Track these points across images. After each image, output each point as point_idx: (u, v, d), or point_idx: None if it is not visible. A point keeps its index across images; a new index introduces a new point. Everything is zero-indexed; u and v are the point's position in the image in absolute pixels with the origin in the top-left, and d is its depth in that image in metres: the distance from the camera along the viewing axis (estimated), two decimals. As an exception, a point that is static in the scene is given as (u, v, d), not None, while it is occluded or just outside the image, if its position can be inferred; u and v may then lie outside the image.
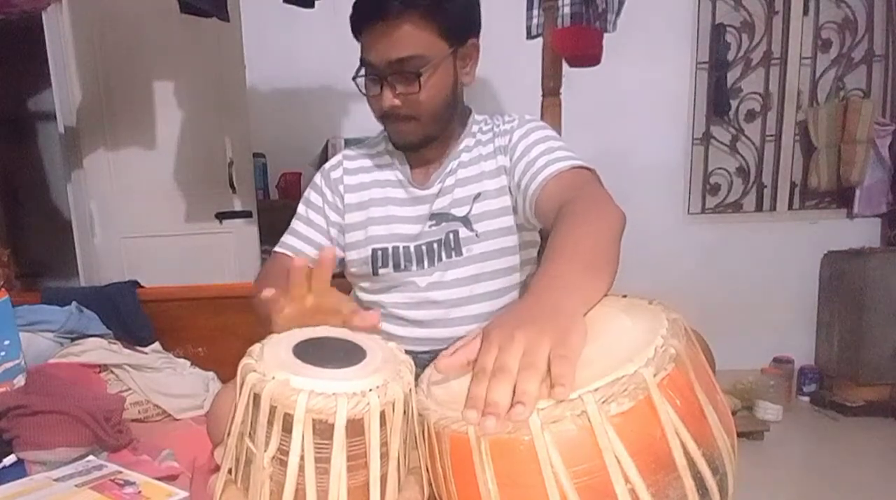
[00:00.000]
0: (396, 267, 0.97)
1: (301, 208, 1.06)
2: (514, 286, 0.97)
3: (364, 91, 0.93)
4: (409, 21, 0.85)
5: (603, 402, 0.45)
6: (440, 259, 0.95)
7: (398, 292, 0.98)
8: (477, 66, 0.96)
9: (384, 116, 0.93)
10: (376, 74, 0.89)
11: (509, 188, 0.94)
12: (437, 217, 0.96)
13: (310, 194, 1.06)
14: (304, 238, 1.04)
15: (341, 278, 1.08)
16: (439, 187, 0.97)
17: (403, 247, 0.97)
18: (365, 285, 1.03)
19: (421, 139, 0.94)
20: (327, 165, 1.07)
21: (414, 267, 0.97)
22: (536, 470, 0.45)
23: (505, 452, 0.47)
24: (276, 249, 1.06)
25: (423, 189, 0.99)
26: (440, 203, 0.96)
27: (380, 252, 0.98)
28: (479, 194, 0.95)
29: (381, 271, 0.98)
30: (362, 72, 0.92)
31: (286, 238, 1.05)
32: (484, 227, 0.94)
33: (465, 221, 0.95)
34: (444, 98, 0.92)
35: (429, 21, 0.86)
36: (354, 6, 0.90)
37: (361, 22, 0.88)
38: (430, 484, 0.60)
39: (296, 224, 1.06)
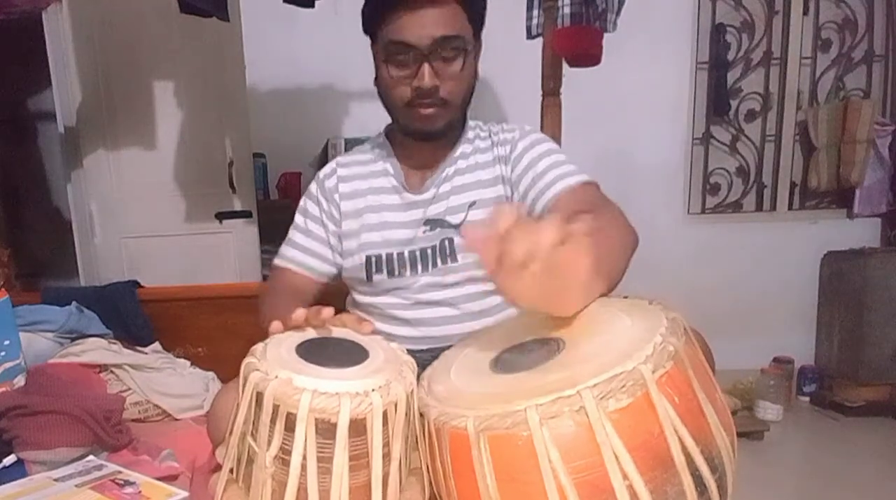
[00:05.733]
0: (391, 273, 0.97)
1: (298, 219, 1.05)
2: None
3: (390, 75, 0.90)
4: (455, 0, 0.87)
5: (601, 398, 0.45)
6: (434, 265, 0.95)
7: (393, 296, 0.98)
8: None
9: (415, 98, 0.90)
10: (415, 54, 0.87)
11: (509, 198, 0.94)
12: (432, 223, 0.96)
13: (306, 204, 1.05)
14: (303, 249, 1.03)
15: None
16: (434, 193, 0.97)
17: (398, 253, 0.97)
18: (361, 288, 1.03)
19: (445, 126, 0.93)
20: (321, 174, 1.06)
21: (408, 273, 0.96)
22: (535, 466, 0.46)
23: (503, 447, 0.47)
24: (277, 261, 1.05)
25: (418, 194, 0.98)
26: (435, 209, 0.96)
27: (374, 259, 0.97)
28: (474, 203, 0.95)
29: (375, 277, 0.98)
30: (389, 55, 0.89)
31: (286, 250, 1.04)
32: None
33: (460, 228, 0.94)
34: (471, 86, 0.94)
35: (466, 5, 0.88)
36: None
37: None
38: (431, 484, 0.60)
39: (294, 235, 1.05)
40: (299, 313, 0.66)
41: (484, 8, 0.94)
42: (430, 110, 0.91)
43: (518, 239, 0.49)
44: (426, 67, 0.87)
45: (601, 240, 0.62)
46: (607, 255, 0.64)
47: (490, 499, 0.48)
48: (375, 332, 0.71)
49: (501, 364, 0.58)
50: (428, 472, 0.60)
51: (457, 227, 0.94)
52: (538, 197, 0.87)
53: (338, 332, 0.68)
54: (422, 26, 0.85)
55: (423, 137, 0.96)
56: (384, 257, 0.97)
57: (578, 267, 0.53)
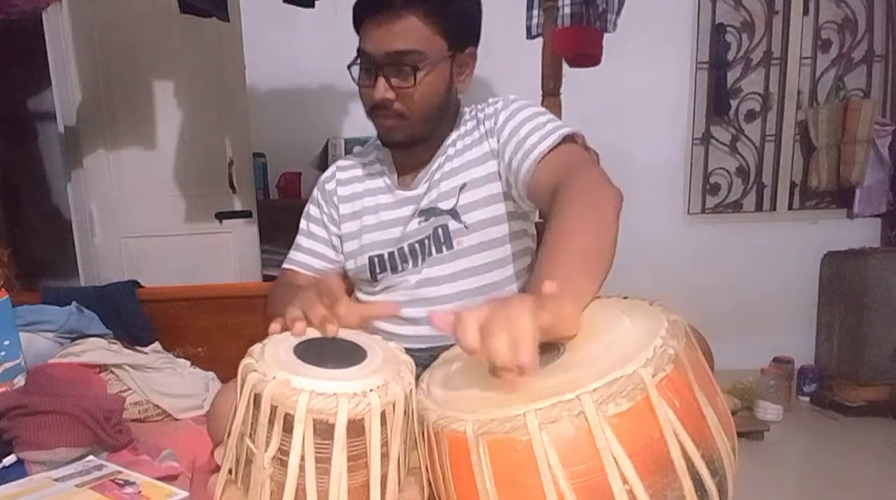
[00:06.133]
0: (394, 270, 0.99)
1: (303, 223, 1.08)
2: (507, 279, 0.96)
3: (356, 80, 0.93)
4: (414, 15, 0.85)
5: (601, 402, 0.45)
6: (430, 254, 0.95)
7: (393, 293, 0.99)
8: (472, 76, 0.97)
9: (374, 109, 0.92)
10: (372, 65, 0.88)
11: (499, 173, 0.93)
12: (425, 213, 0.96)
13: (309, 208, 1.09)
14: (309, 252, 1.06)
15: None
16: (426, 186, 0.98)
17: (398, 250, 0.98)
18: (364, 288, 1.05)
19: (407, 138, 0.94)
20: (322, 178, 1.09)
21: (409, 265, 0.97)
22: (534, 470, 0.45)
23: (503, 452, 0.47)
24: (285, 266, 1.08)
25: (411, 190, 0.99)
26: (427, 199, 0.97)
27: (376, 259, 0.99)
28: (464, 184, 0.94)
29: (379, 276, 1.00)
30: (357, 61, 0.91)
31: (293, 254, 1.07)
32: (472, 218, 0.93)
33: (453, 213, 0.94)
34: (436, 100, 0.92)
35: (433, 19, 0.86)
36: None
37: (365, 9, 0.88)
38: (430, 485, 0.60)
39: (300, 239, 1.08)
40: (299, 328, 0.66)
41: (465, 19, 0.92)
42: (388, 122, 0.92)
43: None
44: (380, 80, 0.88)
45: (584, 233, 0.65)
46: (592, 246, 0.64)
47: (489, 503, 0.48)
48: (370, 330, 0.71)
49: (501, 367, 0.58)
50: (427, 472, 0.60)
51: (449, 212, 0.94)
52: (519, 166, 0.85)
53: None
54: (378, 38, 0.87)
55: (388, 145, 0.98)
56: (386, 257, 0.99)
57: (526, 326, 0.49)
